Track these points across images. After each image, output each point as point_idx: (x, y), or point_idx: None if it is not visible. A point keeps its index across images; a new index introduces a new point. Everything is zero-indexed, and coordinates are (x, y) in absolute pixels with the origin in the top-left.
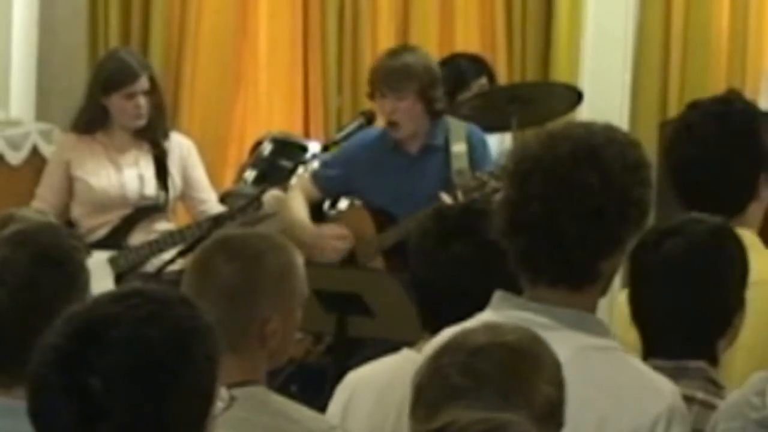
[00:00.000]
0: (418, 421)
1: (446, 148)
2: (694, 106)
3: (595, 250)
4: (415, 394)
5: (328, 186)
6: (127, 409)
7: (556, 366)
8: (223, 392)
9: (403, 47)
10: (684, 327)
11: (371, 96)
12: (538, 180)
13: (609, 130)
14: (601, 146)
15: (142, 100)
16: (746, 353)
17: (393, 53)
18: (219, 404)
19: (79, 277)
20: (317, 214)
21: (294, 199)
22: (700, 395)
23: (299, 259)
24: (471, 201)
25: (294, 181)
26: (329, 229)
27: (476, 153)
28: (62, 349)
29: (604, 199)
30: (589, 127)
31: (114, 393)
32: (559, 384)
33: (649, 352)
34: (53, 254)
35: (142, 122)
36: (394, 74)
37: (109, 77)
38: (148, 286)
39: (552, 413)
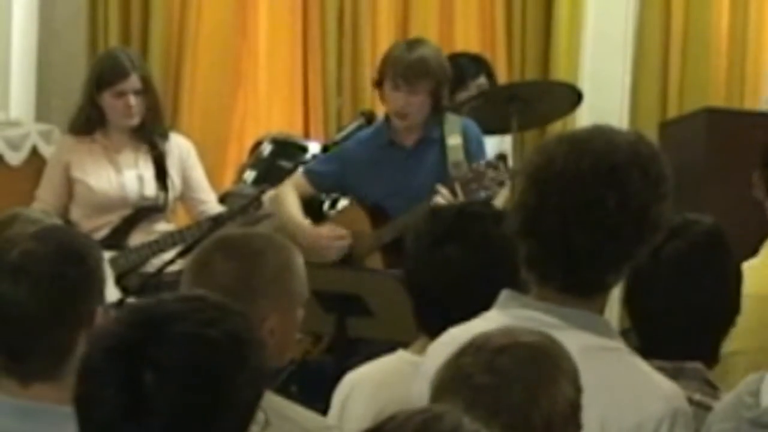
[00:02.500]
0: None
1: (441, 141)
2: None
3: (606, 267)
4: (435, 394)
5: (320, 181)
6: (175, 406)
7: (576, 370)
8: (260, 416)
9: (419, 40)
10: (683, 328)
11: (379, 83)
12: (557, 192)
13: (633, 145)
14: (623, 165)
15: (133, 100)
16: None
17: (410, 46)
18: (254, 428)
19: (97, 273)
20: (317, 214)
21: (287, 197)
22: (696, 396)
23: (299, 259)
24: (466, 203)
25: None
26: (328, 230)
27: (471, 146)
28: (122, 337)
29: (620, 220)
30: (611, 140)
31: (166, 389)
32: (578, 387)
33: (647, 353)
34: (76, 249)
35: (133, 122)
36: (412, 69)
37: (101, 74)
38: (210, 294)
39: (573, 414)
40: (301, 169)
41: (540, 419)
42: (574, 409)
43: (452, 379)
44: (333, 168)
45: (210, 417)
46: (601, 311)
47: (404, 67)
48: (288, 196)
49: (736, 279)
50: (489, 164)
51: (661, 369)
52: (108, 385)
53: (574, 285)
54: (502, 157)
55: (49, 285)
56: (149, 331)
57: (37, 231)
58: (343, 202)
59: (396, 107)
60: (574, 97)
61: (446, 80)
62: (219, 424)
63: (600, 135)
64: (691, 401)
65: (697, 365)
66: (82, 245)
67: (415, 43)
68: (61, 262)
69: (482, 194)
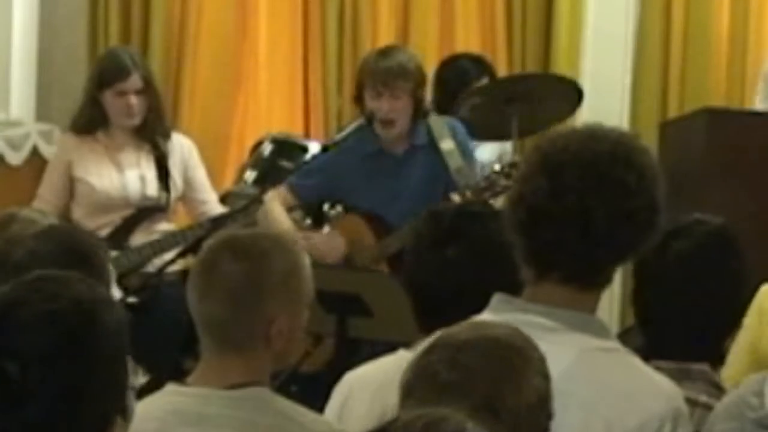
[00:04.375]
0: None
1: (432, 145)
2: None
3: (618, 252)
4: (403, 393)
5: (305, 194)
6: (49, 387)
7: (542, 359)
8: (132, 365)
9: (392, 47)
10: (690, 329)
11: (358, 98)
12: (575, 173)
13: (638, 139)
14: (638, 151)
15: (134, 99)
16: None
17: (383, 53)
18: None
19: (103, 273)
20: (317, 214)
21: (274, 210)
22: (703, 398)
23: (306, 260)
24: (465, 203)
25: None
26: (319, 238)
27: (464, 147)
28: None
29: (637, 202)
30: (619, 132)
31: (33, 373)
32: (546, 376)
33: (652, 353)
34: (80, 249)
35: (134, 121)
36: (392, 73)
37: (102, 73)
38: (46, 271)
39: (541, 404)
40: (284, 184)
41: (506, 412)
42: (543, 400)
43: (417, 378)
44: (317, 180)
45: (81, 384)
46: (594, 310)
47: (383, 72)
48: (274, 209)
49: (743, 280)
50: (502, 172)
51: (667, 370)
52: None
53: (581, 273)
54: (513, 164)
55: None
56: None
57: (42, 231)
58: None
59: (380, 115)
60: (574, 95)
61: (424, 82)
62: (92, 387)
63: (605, 127)
64: (697, 403)
65: (704, 367)
66: (88, 245)
67: (388, 50)
68: (64, 263)
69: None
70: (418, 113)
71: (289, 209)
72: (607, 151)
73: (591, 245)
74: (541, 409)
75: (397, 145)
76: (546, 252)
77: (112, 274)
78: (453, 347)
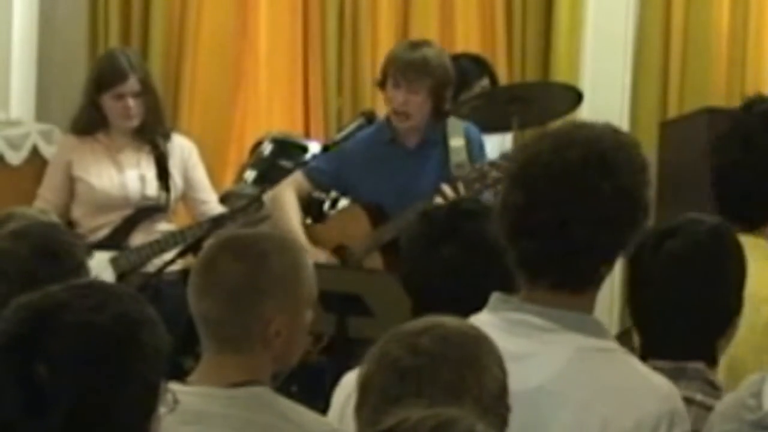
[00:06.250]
0: (367, 414)
1: (444, 143)
2: (749, 110)
3: (603, 256)
4: (361, 387)
5: (319, 179)
6: (73, 396)
7: (500, 354)
8: (168, 396)
9: (423, 41)
10: (685, 328)
11: (382, 84)
12: (547, 185)
13: (614, 132)
14: (611, 150)
15: (131, 102)
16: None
17: (413, 45)
18: (162, 409)
19: (78, 273)
20: (318, 214)
21: (286, 203)
22: (698, 397)
23: (307, 261)
24: (456, 202)
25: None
26: (313, 252)
27: (474, 148)
28: (10, 334)
29: (615, 205)
30: (594, 130)
31: (60, 379)
32: (504, 371)
33: (648, 353)
34: (52, 248)
35: (132, 123)
36: (413, 67)
37: (100, 77)
38: (98, 280)
39: (501, 396)
40: (301, 168)
41: (470, 398)
42: (503, 391)
43: (378, 366)
44: (333, 165)
45: (108, 402)
46: (591, 310)
47: (405, 64)
48: (287, 202)
49: (737, 279)
50: (492, 164)
51: (662, 369)
52: (4, 384)
53: (569, 280)
54: (505, 156)
55: (21, 285)
56: (37, 324)
57: (17, 230)
58: (343, 202)
59: (396, 105)
60: (574, 97)
61: (448, 82)
62: (119, 408)
63: (580, 126)
64: (692, 402)
65: (699, 365)
66: (62, 245)
67: (418, 43)
68: (35, 262)
69: (486, 194)
70: (439, 112)
71: (306, 195)
72: (578, 158)
73: (574, 254)
74: (500, 400)
75: (410, 138)
76: (530, 262)
77: (110, 276)
78: (412, 334)
